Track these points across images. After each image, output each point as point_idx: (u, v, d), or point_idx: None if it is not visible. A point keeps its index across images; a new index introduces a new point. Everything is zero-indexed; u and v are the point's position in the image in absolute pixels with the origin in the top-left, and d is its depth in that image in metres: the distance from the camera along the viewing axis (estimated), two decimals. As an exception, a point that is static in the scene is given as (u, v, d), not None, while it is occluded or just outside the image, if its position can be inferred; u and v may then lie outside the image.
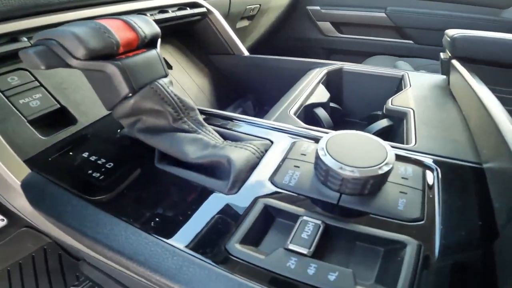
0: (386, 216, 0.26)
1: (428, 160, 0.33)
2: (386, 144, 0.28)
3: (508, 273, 0.18)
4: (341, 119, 0.69)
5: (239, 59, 0.82)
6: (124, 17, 0.31)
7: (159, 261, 0.25)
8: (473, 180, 0.31)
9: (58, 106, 0.43)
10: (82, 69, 0.29)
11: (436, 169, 0.32)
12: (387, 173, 0.26)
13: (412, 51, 1.43)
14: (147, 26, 0.32)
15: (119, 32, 0.29)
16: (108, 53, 0.29)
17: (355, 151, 0.27)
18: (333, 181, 0.27)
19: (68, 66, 0.28)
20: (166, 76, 0.35)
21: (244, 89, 0.87)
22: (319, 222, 0.25)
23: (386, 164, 0.26)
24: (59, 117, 0.42)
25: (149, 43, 0.34)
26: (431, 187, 0.29)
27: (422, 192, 0.28)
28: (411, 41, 1.44)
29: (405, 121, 0.43)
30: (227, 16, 1.00)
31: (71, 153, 0.37)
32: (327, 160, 0.27)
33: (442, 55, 0.53)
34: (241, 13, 1.12)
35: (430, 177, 0.31)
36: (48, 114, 0.42)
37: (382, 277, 0.23)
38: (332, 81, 0.69)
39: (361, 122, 0.70)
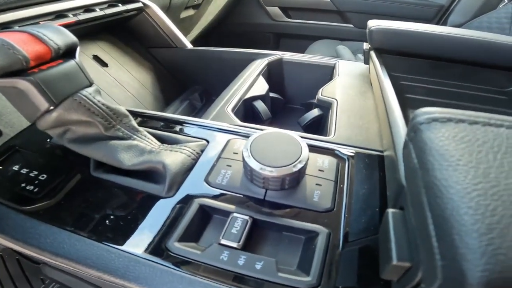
0: (304, 208, 0.30)
1: (343, 151, 0.37)
2: (302, 141, 0.31)
3: (381, 259, 0.21)
4: (283, 106, 0.73)
5: (182, 52, 0.81)
6: (30, 29, 0.29)
7: (106, 263, 0.26)
8: (378, 169, 0.35)
9: (-23, 120, 0.40)
10: None
11: (348, 160, 0.36)
12: (302, 169, 0.29)
13: (353, 35, 1.51)
14: (59, 37, 0.31)
15: (26, 46, 0.28)
16: (18, 68, 0.28)
17: (275, 150, 0.30)
18: (257, 180, 0.30)
19: None
20: (91, 85, 0.34)
21: (189, 81, 0.87)
22: (246, 217, 0.28)
23: (300, 161, 0.29)
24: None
25: (66, 54, 0.33)
26: (342, 178, 0.33)
27: (335, 183, 0.32)
28: (351, 25, 1.52)
29: (330, 111, 0.47)
30: (168, 8, 0.96)
31: (0, 167, 0.36)
32: (250, 161, 0.29)
33: (364, 45, 0.58)
34: (185, 3, 1.08)
35: (342, 168, 0.35)
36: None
37: (303, 263, 0.26)
38: (273, 71, 0.72)
39: (301, 108, 0.75)
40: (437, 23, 1.45)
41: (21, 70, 0.28)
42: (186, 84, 0.87)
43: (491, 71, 0.48)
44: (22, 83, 0.28)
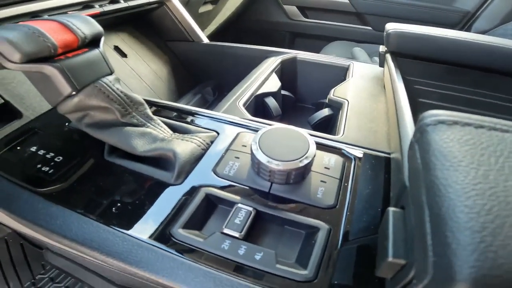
0: (308, 203, 0.30)
1: (351, 151, 0.37)
2: (311, 138, 0.32)
3: (379, 256, 0.21)
4: (294, 105, 0.73)
5: (198, 46, 0.82)
6: (60, 18, 0.31)
7: (110, 246, 0.27)
8: (384, 170, 0.35)
9: (2, 101, 0.42)
10: (21, 71, 0.30)
11: (355, 160, 0.36)
12: (308, 165, 0.30)
13: (370, 37, 1.49)
14: (87, 26, 0.33)
15: (55, 35, 0.29)
16: (46, 55, 0.29)
17: (283, 145, 0.31)
18: (263, 172, 0.31)
19: (5, 68, 0.28)
20: (111, 73, 0.36)
21: (203, 75, 0.88)
22: (250, 209, 0.29)
23: (306, 157, 0.30)
24: (3, 112, 0.42)
25: (91, 43, 0.34)
26: (348, 177, 0.34)
27: (340, 181, 0.33)
28: (369, 28, 1.49)
29: (341, 111, 0.48)
30: (188, 2, 0.97)
31: (19, 148, 0.37)
32: (258, 154, 0.30)
33: (381, 48, 0.58)
34: (204, -2, 1.10)
35: (348, 167, 0.35)
36: (-9, 109, 0.41)
37: (301, 256, 0.27)
38: (286, 69, 0.72)
39: (311, 107, 0.75)
40: (461, 29, 1.41)
41: (48, 56, 0.30)
42: (200, 77, 0.88)
43: (508, 79, 0.47)
44: (48, 69, 0.30)
